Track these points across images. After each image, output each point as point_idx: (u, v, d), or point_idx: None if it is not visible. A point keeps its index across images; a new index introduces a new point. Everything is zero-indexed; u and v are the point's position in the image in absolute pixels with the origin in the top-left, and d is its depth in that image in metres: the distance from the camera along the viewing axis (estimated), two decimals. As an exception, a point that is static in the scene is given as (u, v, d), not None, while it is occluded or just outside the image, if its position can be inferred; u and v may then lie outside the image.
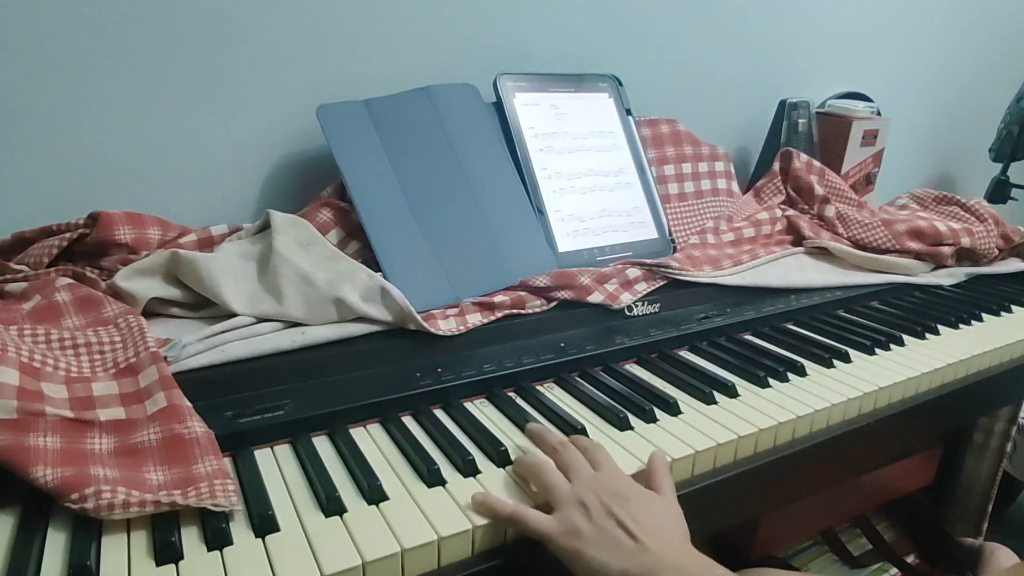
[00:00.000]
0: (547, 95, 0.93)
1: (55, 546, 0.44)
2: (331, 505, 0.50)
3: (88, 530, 0.45)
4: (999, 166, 1.52)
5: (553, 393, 0.70)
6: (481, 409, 0.66)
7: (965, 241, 1.05)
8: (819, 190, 1.10)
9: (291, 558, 0.45)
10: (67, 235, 0.70)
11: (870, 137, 1.22)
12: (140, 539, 0.46)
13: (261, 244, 0.72)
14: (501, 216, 0.84)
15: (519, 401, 0.68)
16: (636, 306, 0.82)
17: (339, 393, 0.62)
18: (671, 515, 0.53)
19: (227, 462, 0.54)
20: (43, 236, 0.71)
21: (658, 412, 0.65)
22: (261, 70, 0.83)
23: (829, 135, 1.23)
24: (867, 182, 1.27)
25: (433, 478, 0.54)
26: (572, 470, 0.54)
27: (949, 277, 1.06)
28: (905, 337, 0.86)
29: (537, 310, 0.77)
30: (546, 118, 0.92)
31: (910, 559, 1.14)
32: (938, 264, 1.06)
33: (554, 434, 0.60)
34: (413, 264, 0.76)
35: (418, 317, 0.68)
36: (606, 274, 0.82)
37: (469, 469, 0.55)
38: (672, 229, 0.97)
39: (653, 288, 0.85)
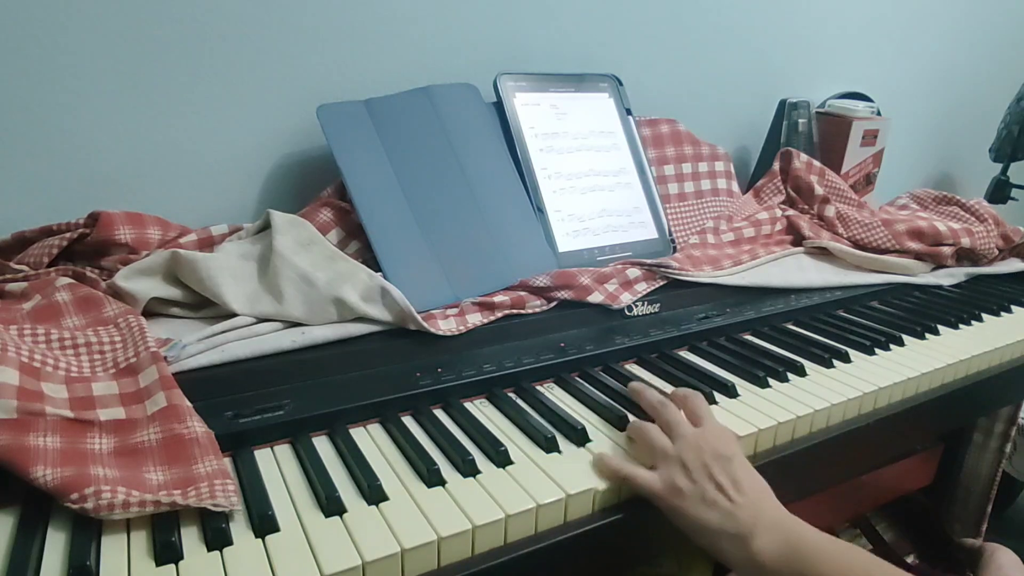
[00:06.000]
0: (547, 95, 0.93)
1: (55, 546, 0.44)
2: (331, 505, 0.50)
3: (88, 530, 0.45)
4: (999, 166, 1.52)
5: (553, 393, 0.70)
6: (481, 409, 0.66)
7: (965, 241, 1.05)
8: (819, 190, 1.10)
9: (291, 558, 0.45)
10: (67, 235, 0.70)
11: (870, 137, 1.22)
12: (140, 539, 0.46)
13: (261, 244, 0.72)
14: (501, 216, 0.84)
15: (519, 401, 0.67)
16: (636, 306, 0.82)
17: (339, 393, 0.62)
18: (761, 477, 0.56)
19: (227, 462, 0.54)
20: (43, 236, 0.71)
21: (658, 412, 0.65)
22: (261, 70, 0.83)
23: (829, 135, 1.23)
24: (867, 182, 1.27)
25: (433, 478, 0.54)
26: (673, 429, 0.57)
27: (949, 277, 1.06)
28: (905, 337, 0.86)
29: (537, 310, 0.77)
30: (546, 118, 0.92)
31: (910, 559, 1.14)
32: (938, 264, 1.06)
33: (652, 393, 0.63)
34: (413, 264, 0.76)
35: (418, 317, 0.68)
36: (606, 274, 0.82)
37: (469, 469, 0.55)
38: (672, 229, 0.97)
39: (653, 288, 0.85)
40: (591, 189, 0.92)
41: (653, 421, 0.61)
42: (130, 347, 0.58)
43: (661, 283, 0.86)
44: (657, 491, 0.54)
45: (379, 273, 0.72)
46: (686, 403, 0.61)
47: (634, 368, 0.76)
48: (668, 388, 0.71)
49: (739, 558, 0.50)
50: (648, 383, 0.71)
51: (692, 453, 0.54)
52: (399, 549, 0.46)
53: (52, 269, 0.68)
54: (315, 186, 0.86)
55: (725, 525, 0.51)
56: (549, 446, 0.59)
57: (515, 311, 0.76)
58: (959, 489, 1.22)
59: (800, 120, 1.18)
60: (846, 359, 0.79)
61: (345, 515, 0.49)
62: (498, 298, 0.75)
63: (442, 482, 0.54)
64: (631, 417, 0.64)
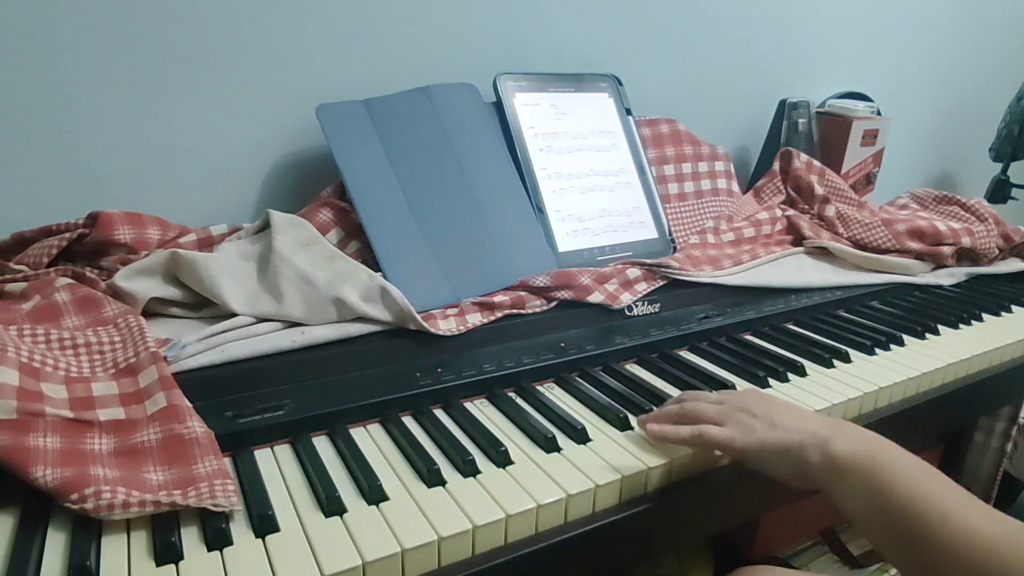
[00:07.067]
0: (547, 95, 0.93)
1: (55, 546, 0.44)
2: (331, 505, 0.50)
3: (88, 530, 0.45)
4: (999, 166, 1.52)
5: (553, 393, 0.70)
6: (481, 409, 0.66)
7: (965, 241, 1.05)
8: (819, 190, 1.10)
9: (291, 558, 0.45)
10: (67, 235, 0.70)
11: (870, 137, 1.22)
12: (140, 539, 0.46)
13: (261, 244, 0.72)
14: (501, 216, 0.84)
15: (519, 401, 0.67)
16: (636, 306, 0.82)
17: (339, 393, 0.62)
18: None
19: (227, 462, 0.54)
20: (43, 236, 0.71)
21: (658, 412, 0.65)
22: (261, 70, 0.83)
23: (829, 135, 1.23)
24: (867, 182, 1.27)
25: (433, 478, 0.54)
26: (714, 400, 0.60)
27: (949, 277, 1.06)
28: (905, 337, 0.86)
29: (537, 310, 0.77)
30: (546, 118, 0.92)
31: (910, 559, 1.14)
32: (938, 264, 1.06)
33: (673, 407, 0.63)
34: (413, 264, 0.76)
35: (418, 317, 0.68)
36: (606, 274, 0.82)
37: (469, 469, 0.55)
38: (672, 229, 0.97)
39: (653, 288, 0.85)
40: (591, 189, 0.92)
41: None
42: (130, 347, 0.58)
43: (661, 283, 0.86)
44: (732, 437, 0.55)
45: (379, 273, 0.72)
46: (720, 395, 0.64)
47: (634, 368, 0.76)
48: (668, 389, 0.71)
49: (817, 461, 0.51)
50: (647, 383, 0.71)
51: (748, 400, 0.58)
52: (399, 549, 0.46)
53: (52, 269, 0.68)
54: (315, 186, 0.86)
55: (805, 438, 0.52)
56: (549, 446, 0.59)
57: (515, 311, 0.76)
58: (959, 489, 1.22)
59: (800, 120, 1.18)
60: (846, 359, 0.79)
61: (345, 515, 0.49)
62: (498, 298, 0.75)
63: (442, 482, 0.54)
64: (631, 418, 0.64)
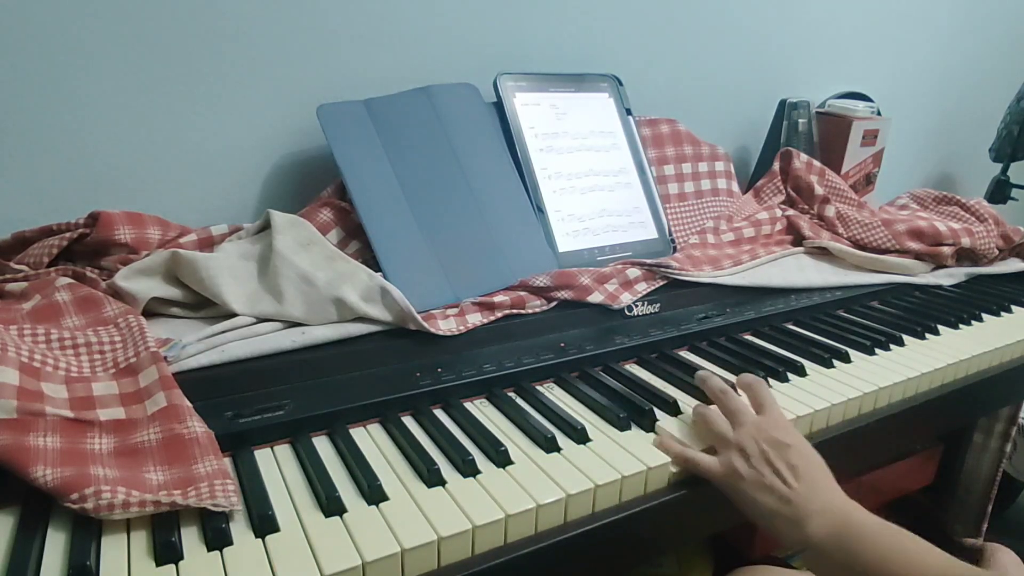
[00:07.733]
0: (547, 95, 0.93)
1: (55, 546, 0.44)
2: (331, 505, 0.50)
3: (88, 530, 0.45)
4: (999, 166, 1.52)
5: (553, 393, 0.70)
6: (481, 409, 0.66)
7: (965, 241, 1.05)
8: (819, 190, 1.10)
9: (291, 558, 0.45)
10: (67, 235, 0.70)
11: (870, 137, 1.22)
12: (140, 539, 0.46)
13: (261, 244, 0.72)
14: (501, 216, 0.84)
15: (519, 401, 0.67)
16: (636, 306, 0.82)
17: (339, 393, 0.62)
18: (820, 460, 0.58)
19: (227, 462, 0.54)
20: (43, 236, 0.71)
21: (658, 412, 0.65)
22: (261, 70, 0.83)
23: (829, 135, 1.23)
24: (867, 182, 1.27)
25: (433, 478, 0.54)
26: (735, 417, 0.61)
27: (949, 277, 1.06)
28: (905, 337, 0.86)
29: (537, 310, 0.77)
30: (546, 118, 0.92)
31: (910, 559, 1.14)
32: (938, 264, 1.06)
33: (717, 380, 0.66)
34: (413, 264, 0.76)
35: (418, 317, 0.68)
36: (606, 274, 0.82)
37: (469, 469, 0.55)
38: (672, 229, 0.97)
39: (653, 288, 0.85)
40: (591, 189, 0.92)
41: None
42: (130, 347, 0.58)
43: (661, 283, 0.86)
44: (717, 474, 0.57)
45: (379, 273, 0.72)
46: (750, 390, 0.64)
47: (634, 368, 0.76)
48: (668, 389, 0.71)
49: (793, 538, 0.53)
50: (649, 383, 0.71)
51: (751, 440, 0.58)
52: (399, 549, 0.46)
53: (52, 269, 0.68)
54: (315, 186, 0.86)
55: (781, 509, 0.54)
56: (549, 446, 0.59)
57: (515, 311, 0.76)
58: (959, 489, 1.22)
59: (800, 120, 1.18)
60: (846, 359, 0.79)
61: (345, 515, 0.49)
62: (498, 298, 0.75)
63: (442, 482, 0.54)
64: (630, 419, 0.64)
